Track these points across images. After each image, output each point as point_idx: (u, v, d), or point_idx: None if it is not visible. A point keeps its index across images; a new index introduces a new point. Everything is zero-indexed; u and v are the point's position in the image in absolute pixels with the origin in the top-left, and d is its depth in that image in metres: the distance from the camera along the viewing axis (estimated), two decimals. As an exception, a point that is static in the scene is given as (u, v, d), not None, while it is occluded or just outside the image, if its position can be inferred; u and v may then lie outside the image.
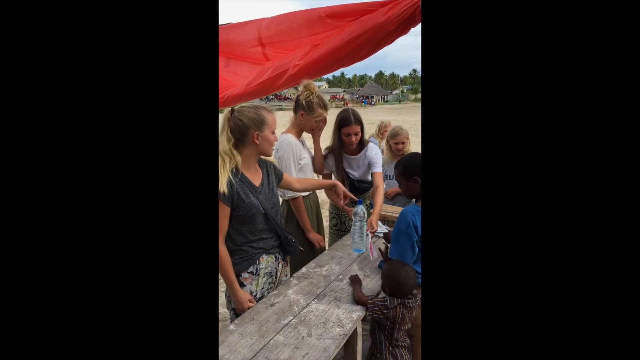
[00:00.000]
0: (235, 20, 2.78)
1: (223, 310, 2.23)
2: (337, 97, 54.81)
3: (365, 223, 1.78)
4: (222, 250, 1.43)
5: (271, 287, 1.59)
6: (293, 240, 1.63)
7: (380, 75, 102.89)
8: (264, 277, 1.55)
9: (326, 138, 2.17)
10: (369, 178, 2.19)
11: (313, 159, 2.11)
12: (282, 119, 2.30)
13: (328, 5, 2.11)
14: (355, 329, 1.33)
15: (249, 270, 1.51)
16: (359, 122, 2.05)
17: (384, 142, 2.99)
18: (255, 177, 1.52)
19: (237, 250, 1.48)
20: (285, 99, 39.34)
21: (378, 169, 2.09)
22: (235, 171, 1.44)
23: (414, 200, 1.60)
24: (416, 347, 1.43)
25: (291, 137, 1.97)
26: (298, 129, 2.02)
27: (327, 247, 2.18)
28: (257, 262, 1.52)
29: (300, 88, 1.95)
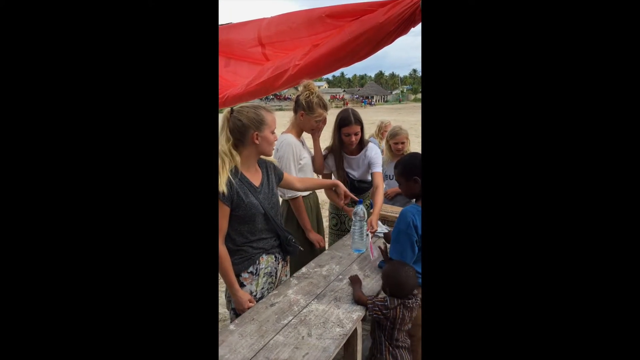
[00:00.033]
0: (235, 20, 2.78)
1: (223, 310, 2.23)
2: (337, 97, 54.81)
3: (365, 223, 1.78)
4: (222, 250, 1.43)
5: (271, 287, 1.59)
6: (293, 240, 1.63)
7: (380, 75, 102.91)
8: (263, 277, 1.55)
9: (326, 138, 2.17)
10: (369, 178, 2.19)
11: (313, 159, 2.11)
12: (282, 119, 2.30)
13: (328, 5, 2.11)
14: (355, 329, 1.33)
15: (248, 270, 1.51)
16: (359, 122, 2.05)
17: (383, 142, 2.99)
18: (255, 177, 1.52)
19: (237, 250, 1.48)
20: (285, 99, 39.34)
21: (378, 169, 2.09)
22: (235, 171, 1.44)
23: (414, 200, 1.60)
24: (416, 347, 1.43)
25: (291, 137, 1.97)
26: (298, 129, 2.02)
27: (327, 247, 2.18)
28: (257, 262, 1.52)
29: (300, 88, 1.95)
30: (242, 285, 1.49)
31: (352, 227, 1.79)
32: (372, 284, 1.57)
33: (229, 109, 1.49)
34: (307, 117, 1.94)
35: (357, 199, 1.80)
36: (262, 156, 1.55)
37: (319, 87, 3.09)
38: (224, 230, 1.45)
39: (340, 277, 1.62)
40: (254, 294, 1.52)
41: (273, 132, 1.50)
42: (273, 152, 1.61)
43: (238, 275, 1.48)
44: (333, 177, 2.21)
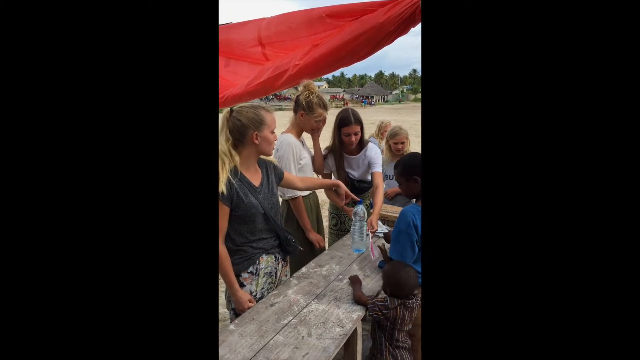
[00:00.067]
0: (235, 20, 2.78)
1: (223, 310, 2.23)
2: (337, 97, 54.82)
3: (365, 223, 1.78)
4: (222, 250, 1.43)
5: (271, 287, 1.59)
6: (293, 240, 1.63)
7: (380, 75, 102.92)
8: (263, 277, 1.55)
9: (326, 138, 2.17)
10: (369, 178, 2.19)
11: (313, 159, 2.11)
12: (282, 119, 2.30)
13: (328, 5, 2.11)
14: (355, 329, 1.33)
15: (248, 270, 1.51)
16: (359, 122, 2.05)
17: (383, 142, 2.99)
18: (255, 177, 1.52)
19: (236, 250, 1.48)
20: (285, 99, 39.34)
21: (378, 168, 2.09)
22: (234, 171, 1.44)
23: (414, 200, 1.60)
24: (416, 346, 1.43)
25: (291, 137, 1.97)
26: (298, 129, 2.02)
27: (327, 247, 2.18)
28: (257, 262, 1.52)
29: (300, 88, 1.95)
30: (242, 285, 1.49)
31: (352, 227, 1.79)
32: (372, 284, 1.57)
33: (228, 109, 1.49)
34: (307, 117, 1.94)
35: (358, 199, 1.80)
36: (262, 156, 1.55)
37: (319, 87, 3.10)
38: (224, 230, 1.45)
39: (340, 277, 1.62)
40: (254, 294, 1.52)
41: (273, 132, 1.50)
42: (273, 152, 1.61)
43: (238, 275, 1.48)
44: (333, 177, 2.21)
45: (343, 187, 1.81)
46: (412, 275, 1.33)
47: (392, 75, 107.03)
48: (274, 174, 1.62)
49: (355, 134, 2.04)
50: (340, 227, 2.31)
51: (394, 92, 76.40)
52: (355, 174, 2.20)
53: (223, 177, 1.39)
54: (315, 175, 2.17)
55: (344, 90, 72.97)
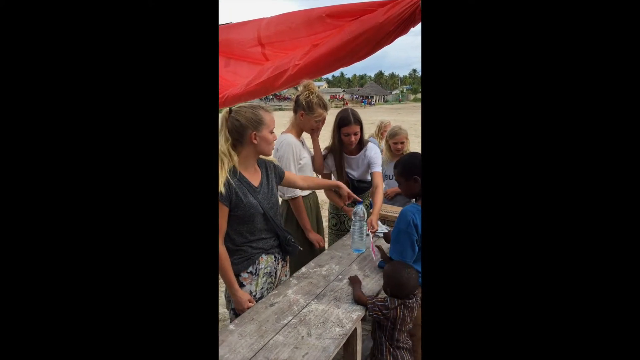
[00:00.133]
0: (235, 20, 2.78)
1: (223, 310, 2.23)
2: (337, 97, 54.83)
3: (365, 223, 1.78)
4: (222, 250, 1.43)
5: (271, 287, 1.59)
6: (292, 240, 1.63)
7: (379, 75, 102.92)
8: (263, 277, 1.55)
9: (326, 138, 2.17)
10: (369, 178, 2.19)
11: (312, 159, 2.11)
12: (281, 119, 2.30)
13: (328, 5, 2.11)
14: (355, 329, 1.33)
15: (248, 270, 1.51)
16: (359, 122, 2.05)
17: (383, 142, 3.00)
18: (254, 177, 1.52)
19: (236, 250, 1.48)
20: (285, 99, 39.34)
21: (377, 168, 2.10)
22: (234, 171, 1.44)
23: (414, 199, 1.60)
24: (417, 346, 1.43)
25: (291, 137, 1.97)
26: (298, 129, 2.02)
27: (326, 247, 2.18)
28: (257, 262, 1.52)
29: (300, 88, 1.95)
30: (241, 285, 1.49)
31: (352, 227, 1.79)
32: (372, 284, 1.57)
33: (227, 109, 1.48)
34: (307, 117, 1.94)
35: (360, 200, 1.81)
36: (262, 156, 1.55)
37: (318, 87, 3.10)
38: (223, 230, 1.44)
39: (340, 277, 1.62)
40: (254, 294, 1.52)
41: (272, 132, 1.49)
42: (273, 151, 1.61)
43: (237, 275, 1.48)
44: (333, 177, 2.21)
45: (345, 188, 1.81)
46: (413, 276, 1.33)
47: (392, 75, 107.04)
48: (274, 174, 1.62)
49: (355, 134, 2.05)
50: (340, 227, 2.31)
51: (393, 92, 76.39)
52: (354, 174, 2.20)
53: (222, 177, 1.39)
54: (315, 175, 2.17)
55: (344, 90, 72.99)
